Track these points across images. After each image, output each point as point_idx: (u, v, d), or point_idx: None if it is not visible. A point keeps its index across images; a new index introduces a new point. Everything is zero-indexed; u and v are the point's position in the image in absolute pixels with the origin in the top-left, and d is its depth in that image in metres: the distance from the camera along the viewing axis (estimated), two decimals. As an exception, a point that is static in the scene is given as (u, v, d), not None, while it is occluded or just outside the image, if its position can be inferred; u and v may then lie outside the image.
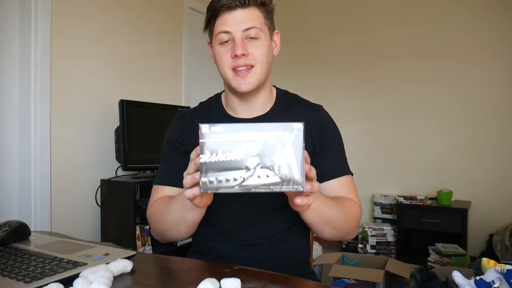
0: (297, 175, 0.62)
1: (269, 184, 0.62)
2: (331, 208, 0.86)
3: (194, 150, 0.70)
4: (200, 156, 0.62)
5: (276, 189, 0.62)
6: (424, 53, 3.39)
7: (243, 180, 0.62)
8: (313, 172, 0.68)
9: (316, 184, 0.69)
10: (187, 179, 0.69)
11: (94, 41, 2.41)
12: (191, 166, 0.69)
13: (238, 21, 0.92)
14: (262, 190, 0.62)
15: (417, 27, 3.41)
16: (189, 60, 3.20)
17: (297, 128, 0.62)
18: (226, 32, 0.92)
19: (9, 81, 2.09)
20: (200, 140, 0.62)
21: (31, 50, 2.06)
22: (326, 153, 1.00)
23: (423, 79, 3.40)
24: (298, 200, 0.68)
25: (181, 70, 3.14)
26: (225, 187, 0.62)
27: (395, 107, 3.52)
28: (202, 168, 0.62)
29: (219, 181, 0.62)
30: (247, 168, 0.62)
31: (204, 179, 0.62)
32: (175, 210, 0.87)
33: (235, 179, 0.62)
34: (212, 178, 0.62)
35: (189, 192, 0.69)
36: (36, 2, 2.07)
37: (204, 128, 0.62)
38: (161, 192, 1.01)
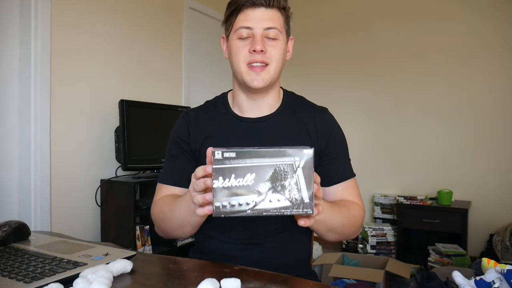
0: (307, 199, 0.65)
1: (280, 208, 0.65)
2: (336, 217, 0.89)
3: (202, 168, 0.71)
4: (214, 181, 0.64)
5: (287, 212, 0.65)
6: (424, 53, 3.39)
7: (255, 205, 0.64)
8: (320, 193, 0.72)
9: (321, 207, 0.73)
10: (198, 199, 0.71)
11: (94, 41, 2.41)
12: (199, 185, 0.70)
13: (260, 19, 0.93)
14: (274, 214, 0.65)
15: (418, 26, 3.41)
16: (189, 60, 3.20)
17: (307, 154, 0.65)
18: (248, 27, 0.93)
19: (9, 81, 2.09)
20: (213, 166, 0.64)
21: (31, 50, 2.06)
22: (332, 158, 1.01)
23: (423, 79, 3.40)
24: (302, 223, 0.71)
25: (181, 70, 3.14)
26: (237, 212, 0.65)
27: (395, 107, 3.52)
28: (216, 193, 0.64)
29: (232, 206, 0.65)
30: (259, 193, 0.64)
31: (217, 204, 0.65)
32: (179, 212, 0.88)
33: (247, 204, 0.64)
34: (225, 203, 0.65)
35: (201, 211, 0.71)
36: (36, 3, 2.07)
37: (217, 154, 0.64)
38: (165, 191, 1.02)
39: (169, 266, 0.85)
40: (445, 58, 3.31)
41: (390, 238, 3.24)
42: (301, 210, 0.65)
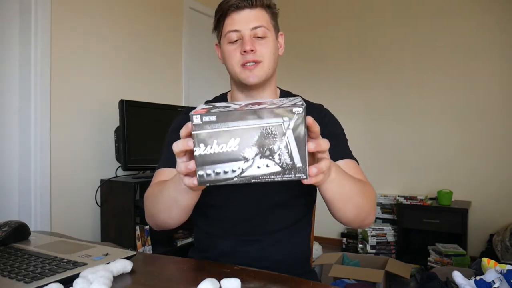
0: (299, 163, 0.58)
1: (270, 174, 0.58)
2: (351, 182, 0.81)
3: (185, 126, 0.63)
4: (195, 148, 0.58)
5: (278, 178, 0.59)
6: (426, 52, 3.38)
7: (242, 172, 0.58)
8: (324, 145, 0.63)
9: (324, 163, 0.64)
10: (181, 167, 0.64)
11: (94, 41, 2.41)
12: (178, 145, 0.64)
13: (246, 20, 0.96)
14: (263, 180, 0.59)
15: (421, 25, 3.41)
16: (189, 60, 3.20)
17: (298, 112, 0.56)
18: (235, 30, 0.96)
19: (9, 81, 2.09)
20: (193, 132, 0.58)
21: (31, 50, 2.06)
22: (330, 141, 0.99)
23: (424, 79, 3.40)
24: (313, 171, 0.63)
25: (181, 70, 3.14)
26: (223, 180, 0.59)
27: (395, 107, 3.52)
28: (198, 161, 0.59)
29: (217, 174, 0.59)
30: (245, 159, 0.58)
31: (201, 172, 0.59)
32: (168, 191, 0.83)
33: (233, 171, 0.58)
34: (209, 171, 0.58)
35: (188, 181, 0.64)
36: (36, 3, 2.07)
37: (196, 118, 0.57)
38: (162, 175, 0.99)
39: (169, 266, 0.85)
40: (447, 58, 3.31)
41: (390, 238, 3.24)
42: (293, 175, 0.58)
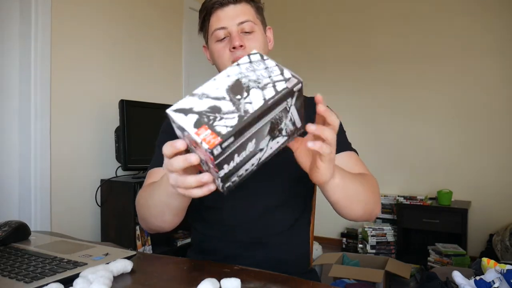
0: (299, 124, 0.63)
1: (279, 147, 0.64)
2: (355, 182, 0.81)
3: (169, 144, 0.61)
4: (219, 172, 0.57)
5: (283, 146, 0.64)
6: (424, 52, 3.38)
7: (259, 160, 0.62)
8: (327, 133, 0.62)
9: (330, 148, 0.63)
10: (190, 181, 0.60)
11: (94, 41, 2.41)
12: (179, 163, 0.60)
13: (231, 16, 0.94)
14: (274, 154, 0.64)
15: (417, 26, 3.41)
16: (189, 60, 3.20)
17: (298, 89, 0.58)
18: (222, 28, 0.94)
19: (9, 81, 2.09)
20: (215, 162, 0.55)
21: (31, 50, 2.06)
22: None
23: (423, 79, 3.40)
24: (310, 144, 0.61)
25: (181, 70, 3.14)
26: (245, 175, 0.63)
27: (395, 106, 3.52)
28: (223, 178, 0.59)
29: (240, 176, 0.62)
30: (261, 150, 0.61)
31: (227, 184, 0.61)
32: (158, 196, 0.79)
33: (252, 164, 0.62)
34: (234, 178, 0.60)
35: (199, 192, 0.61)
36: (36, 3, 2.07)
37: (216, 150, 0.54)
38: (155, 175, 0.97)
39: (169, 266, 0.85)
40: (447, 57, 3.31)
41: (390, 238, 3.24)
42: (296, 135, 0.64)
